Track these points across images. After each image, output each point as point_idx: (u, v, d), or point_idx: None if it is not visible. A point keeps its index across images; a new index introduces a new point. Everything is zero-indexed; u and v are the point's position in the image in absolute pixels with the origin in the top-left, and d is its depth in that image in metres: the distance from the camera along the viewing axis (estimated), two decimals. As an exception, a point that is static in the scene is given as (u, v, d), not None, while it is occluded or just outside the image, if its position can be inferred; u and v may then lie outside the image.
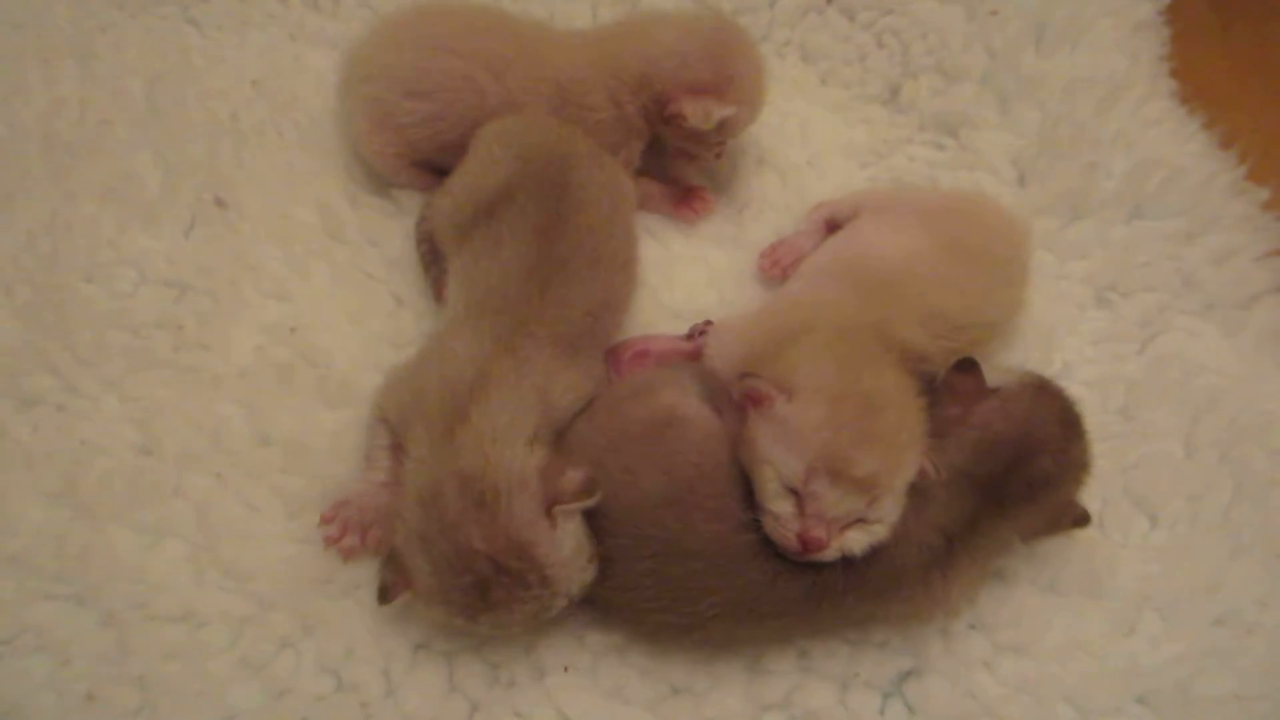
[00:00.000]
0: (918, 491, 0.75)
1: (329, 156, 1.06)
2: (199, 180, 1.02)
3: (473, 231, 0.87)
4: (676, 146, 1.02)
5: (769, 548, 0.74)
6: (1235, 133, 1.15)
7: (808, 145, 1.12)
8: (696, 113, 0.94)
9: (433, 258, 0.95)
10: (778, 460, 0.73)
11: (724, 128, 0.97)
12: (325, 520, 0.82)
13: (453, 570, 0.68)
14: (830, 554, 0.73)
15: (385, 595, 0.72)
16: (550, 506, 0.71)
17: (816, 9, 1.21)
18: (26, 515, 0.82)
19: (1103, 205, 1.07)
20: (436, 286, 0.94)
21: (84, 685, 0.75)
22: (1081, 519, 0.81)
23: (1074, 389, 0.89)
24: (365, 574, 0.81)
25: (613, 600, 0.77)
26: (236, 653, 0.78)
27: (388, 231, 1.00)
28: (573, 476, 0.72)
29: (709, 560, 0.75)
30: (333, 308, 0.96)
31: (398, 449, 0.81)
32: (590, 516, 0.74)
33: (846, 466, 0.71)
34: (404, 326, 0.95)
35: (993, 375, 0.81)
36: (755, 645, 0.80)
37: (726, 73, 0.95)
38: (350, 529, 0.81)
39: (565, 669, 0.78)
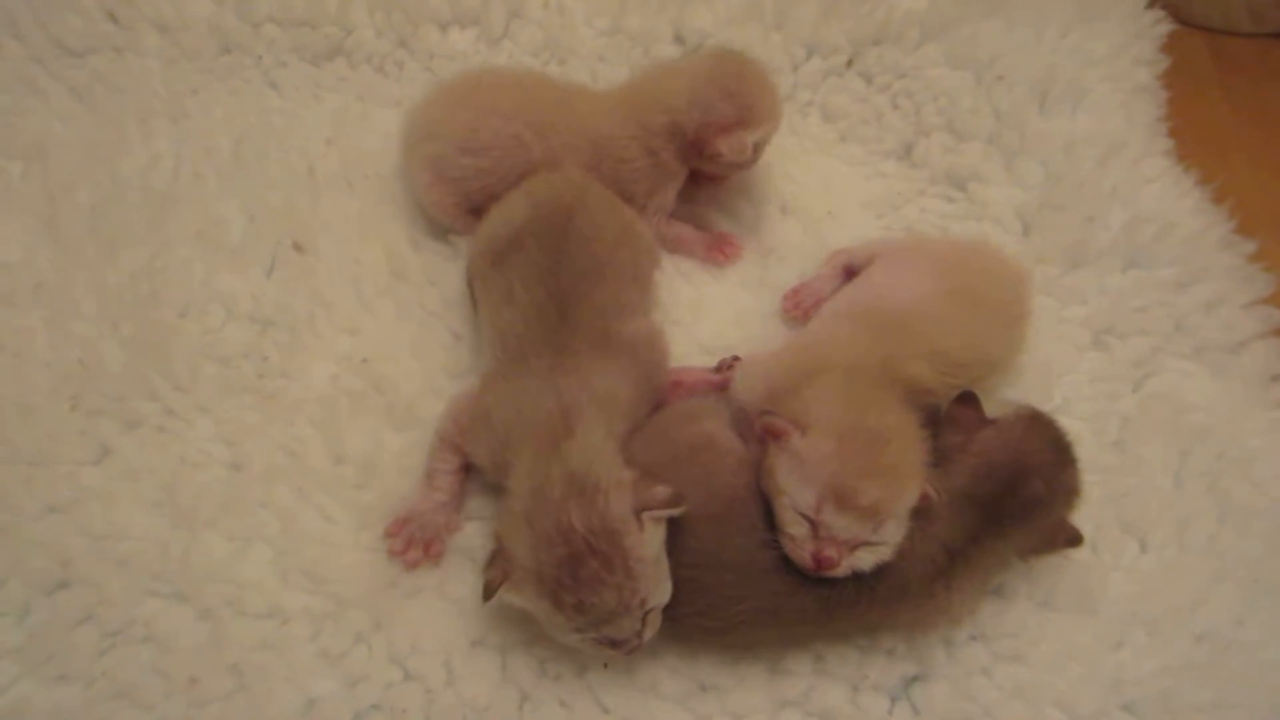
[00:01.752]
0: (923, 512, 0.84)
1: (394, 206, 1.17)
2: (279, 227, 1.13)
3: (491, 277, 0.95)
4: (717, 173, 1.13)
5: (789, 563, 0.83)
6: (1227, 188, 1.24)
7: (828, 197, 1.21)
8: (733, 148, 1.05)
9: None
10: (792, 490, 0.81)
11: (757, 147, 1.07)
12: (390, 534, 0.91)
13: (549, 544, 0.75)
14: (841, 571, 0.81)
15: (489, 591, 0.78)
16: (640, 511, 0.78)
17: (837, 73, 1.31)
18: (133, 522, 0.92)
19: (1100, 255, 1.15)
20: None
21: (186, 672, 0.84)
22: (1074, 539, 0.89)
23: (1071, 423, 0.97)
24: (428, 579, 0.91)
25: None
26: (317, 645, 0.87)
27: (446, 273, 1.11)
28: (660, 490, 0.80)
29: (739, 571, 0.83)
30: (398, 341, 1.06)
31: (461, 473, 0.91)
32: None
33: (853, 497, 0.79)
34: (461, 358, 1.05)
35: (993, 408, 0.90)
36: (776, 648, 0.88)
37: (746, 104, 1.06)
38: (414, 543, 0.91)
39: (605, 666, 0.87)
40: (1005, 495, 0.84)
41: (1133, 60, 1.34)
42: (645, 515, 0.78)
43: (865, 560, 0.82)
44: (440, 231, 1.14)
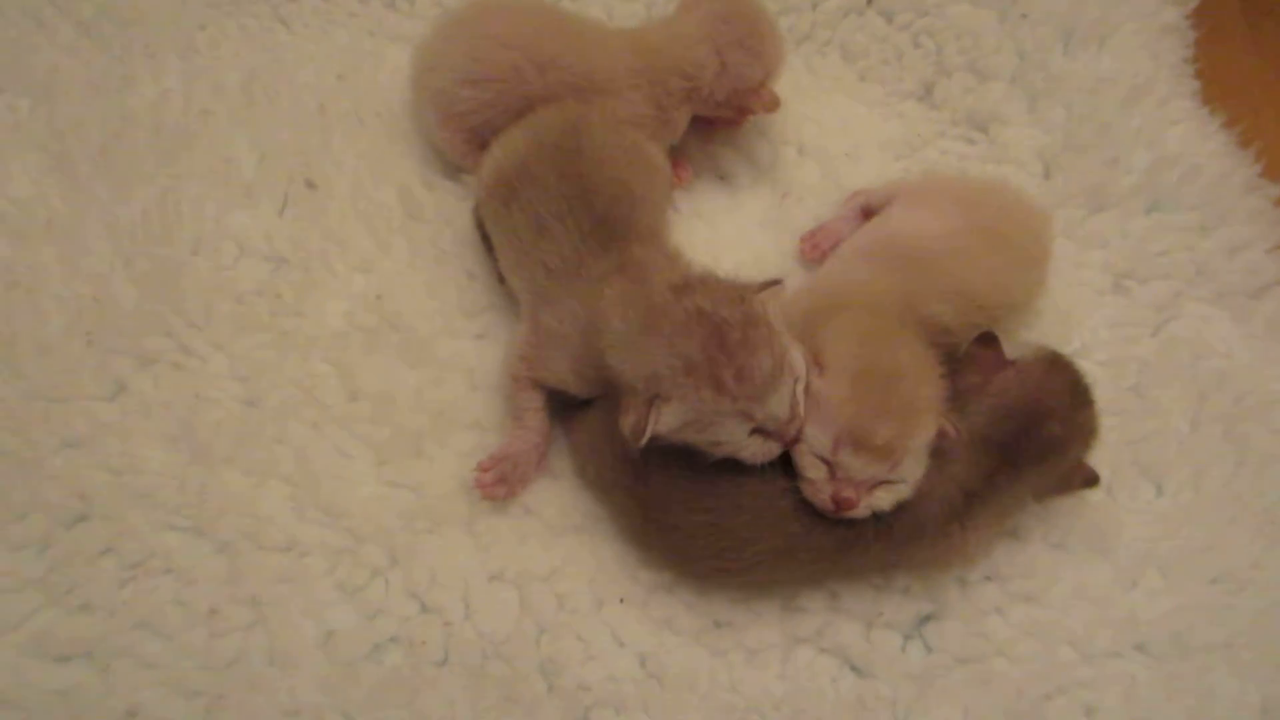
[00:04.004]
0: (941, 451, 0.84)
1: (406, 143, 1.15)
2: (291, 164, 1.11)
3: (506, 216, 0.93)
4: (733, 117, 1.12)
5: (806, 504, 0.83)
6: (1253, 132, 1.21)
7: (846, 138, 1.19)
8: (768, 105, 1.06)
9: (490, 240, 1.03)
10: (809, 434, 0.81)
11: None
12: (484, 469, 0.90)
13: (688, 331, 0.75)
14: (861, 511, 0.81)
15: (639, 429, 0.75)
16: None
17: (857, 10, 1.27)
18: (151, 457, 0.93)
19: (1123, 198, 1.13)
20: (499, 265, 1.03)
21: (205, 603, 0.86)
22: (1091, 480, 0.89)
23: (1090, 367, 0.97)
24: (446, 512, 0.91)
25: (673, 548, 0.86)
26: (334, 579, 0.88)
27: (460, 212, 1.09)
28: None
29: (756, 514, 0.83)
30: (412, 279, 1.05)
31: (547, 409, 0.91)
32: (661, 478, 0.83)
33: (867, 437, 0.79)
34: (476, 297, 1.04)
35: (1011, 349, 0.89)
36: (791, 586, 0.89)
37: (769, 58, 1.05)
38: (506, 480, 0.90)
39: (621, 601, 0.88)
40: (1022, 437, 0.84)
41: (1161, -1, 1.31)
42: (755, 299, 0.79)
43: (884, 500, 0.82)
44: (453, 170, 1.12)
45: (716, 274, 0.82)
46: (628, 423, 0.77)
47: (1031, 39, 1.23)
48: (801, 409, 0.80)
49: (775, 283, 0.81)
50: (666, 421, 0.77)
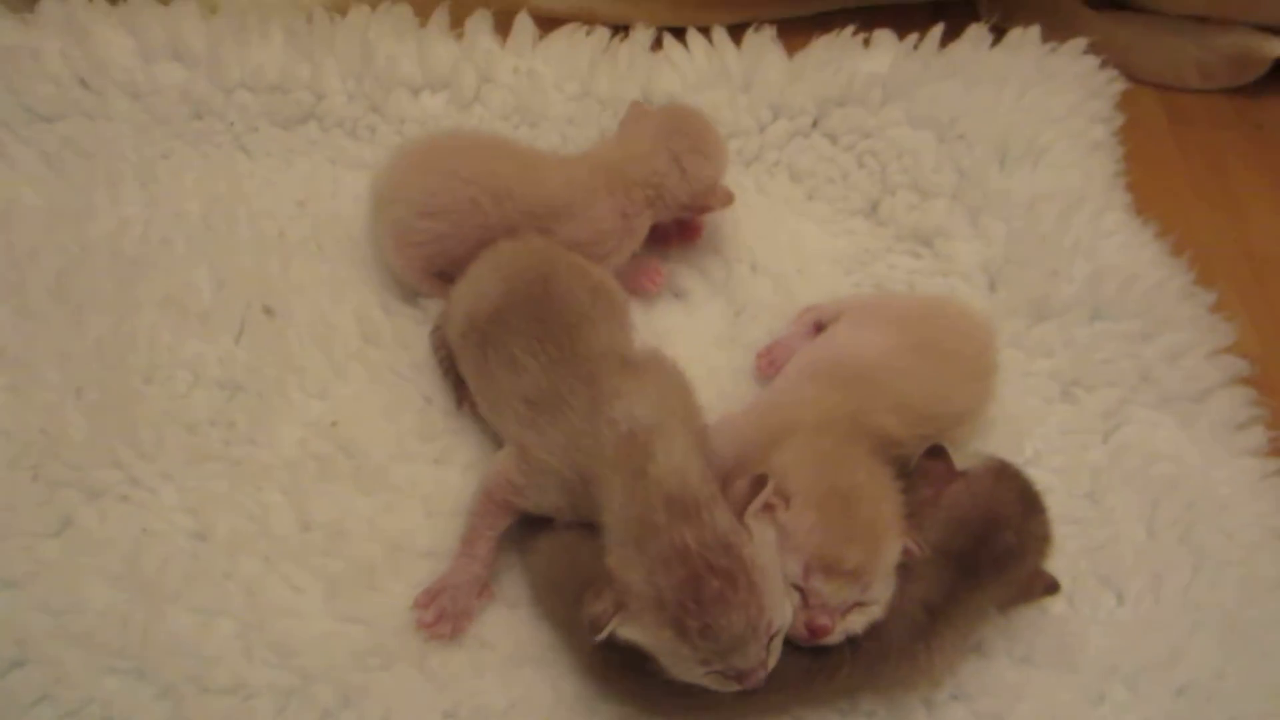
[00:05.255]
0: (903, 569, 0.84)
1: (365, 269, 1.16)
2: (249, 291, 1.11)
3: (484, 358, 0.95)
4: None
5: None
6: (1185, 240, 1.26)
7: (797, 255, 1.23)
8: (724, 202, 1.14)
9: (449, 364, 1.04)
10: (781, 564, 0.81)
11: None
12: (421, 606, 0.88)
13: (668, 567, 0.73)
14: (835, 637, 0.81)
15: (598, 626, 0.74)
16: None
17: (802, 133, 1.33)
18: (93, 597, 0.89)
19: (1066, 308, 1.17)
20: (457, 391, 1.04)
21: (144, 753, 0.82)
22: (1051, 587, 0.89)
23: (1043, 476, 0.98)
24: (398, 647, 0.88)
25: (634, 689, 0.84)
26: (282, 722, 0.84)
27: (417, 337, 1.09)
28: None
29: None
30: (369, 405, 1.04)
31: (498, 540, 0.90)
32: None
33: (838, 562, 0.79)
34: (433, 421, 1.04)
35: (962, 460, 0.90)
36: (755, 718, 0.87)
37: (718, 159, 1.13)
38: (445, 617, 0.88)
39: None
40: (979, 548, 0.85)
41: (1089, 118, 1.38)
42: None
43: (857, 622, 0.81)
44: (411, 295, 1.13)
45: (717, 493, 0.79)
46: (591, 613, 0.76)
47: (969, 158, 1.29)
48: (773, 659, 0.77)
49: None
50: (625, 633, 0.76)
